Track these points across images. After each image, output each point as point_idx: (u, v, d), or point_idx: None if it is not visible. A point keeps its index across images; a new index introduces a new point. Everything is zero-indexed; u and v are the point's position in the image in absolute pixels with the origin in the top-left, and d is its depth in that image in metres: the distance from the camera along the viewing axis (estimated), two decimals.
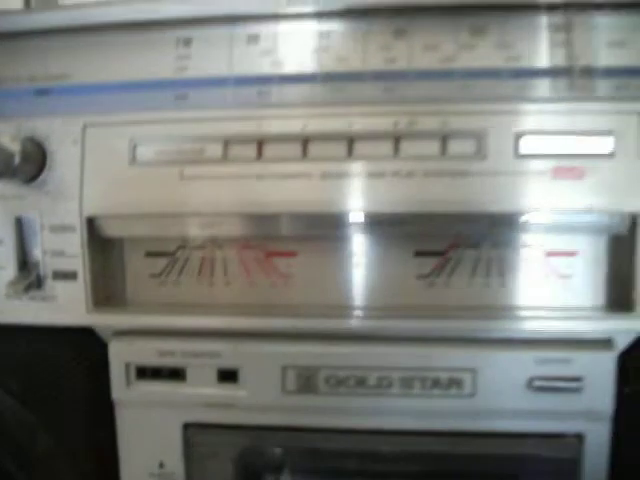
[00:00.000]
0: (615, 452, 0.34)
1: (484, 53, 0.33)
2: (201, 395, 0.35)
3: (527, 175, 0.32)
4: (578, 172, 0.32)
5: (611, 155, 0.32)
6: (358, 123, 0.33)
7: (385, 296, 0.35)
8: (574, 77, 0.33)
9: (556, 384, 0.33)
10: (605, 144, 0.32)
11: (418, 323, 0.33)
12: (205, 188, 0.33)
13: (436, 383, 0.33)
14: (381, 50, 0.34)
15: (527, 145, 0.32)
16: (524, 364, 0.33)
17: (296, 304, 0.35)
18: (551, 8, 0.33)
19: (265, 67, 0.34)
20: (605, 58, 0.33)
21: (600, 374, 0.33)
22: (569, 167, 0.32)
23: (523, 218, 0.32)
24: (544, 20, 0.34)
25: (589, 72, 0.33)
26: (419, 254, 0.34)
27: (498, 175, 0.32)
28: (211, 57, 0.35)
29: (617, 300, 0.33)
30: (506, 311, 0.34)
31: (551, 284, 0.34)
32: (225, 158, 0.33)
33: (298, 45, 0.34)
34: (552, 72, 0.33)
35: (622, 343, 0.34)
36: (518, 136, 0.32)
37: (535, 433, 0.34)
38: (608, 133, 0.32)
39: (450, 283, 0.34)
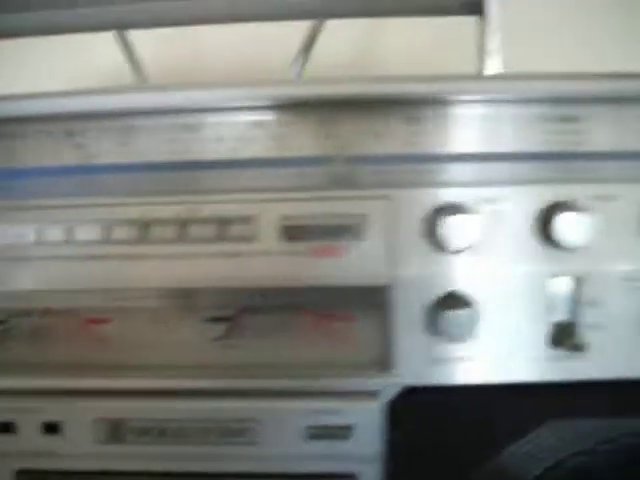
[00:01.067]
0: None
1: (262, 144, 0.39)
2: (30, 445, 0.40)
3: (292, 255, 0.37)
4: (335, 251, 0.37)
5: (364, 236, 0.37)
6: (151, 210, 0.38)
7: (187, 357, 0.40)
8: (337, 166, 0.38)
9: (329, 432, 0.38)
10: (359, 226, 0.37)
11: (208, 382, 0.38)
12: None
13: (227, 432, 0.39)
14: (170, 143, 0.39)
15: (292, 228, 0.37)
16: (302, 414, 0.38)
17: (108, 365, 0.40)
18: (319, 105, 0.39)
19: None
20: (367, 148, 0.38)
21: (368, 422, 0.38)
22: (329, 247, 0.37)
23: (295, 291, 0.38)
24: (314, 114, 0.39)
25: (349, 161, 0.38)
26: (214, 320, 0.39)
27: (267, 255, 0.37)
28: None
29: (382, 358, 0.38)
30: (288, 368, 0.39)
31: (327, 344, 0.39)
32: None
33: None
34: (319, 160, 0.38)
35: (389, 394, 0.39)
36: (284, 220, 0.37)
37: (313, 474, 0.39)
38: (361, 217, 0.37)
39: (239, 344, 0.39)
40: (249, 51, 0.62)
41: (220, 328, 0.39)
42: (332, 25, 0.52)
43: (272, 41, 0.58)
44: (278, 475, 0.39)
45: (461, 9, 0.43)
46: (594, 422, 0.38)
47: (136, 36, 0.55)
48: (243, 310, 0.39)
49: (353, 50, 0.62)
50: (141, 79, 0.56)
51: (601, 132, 0.38)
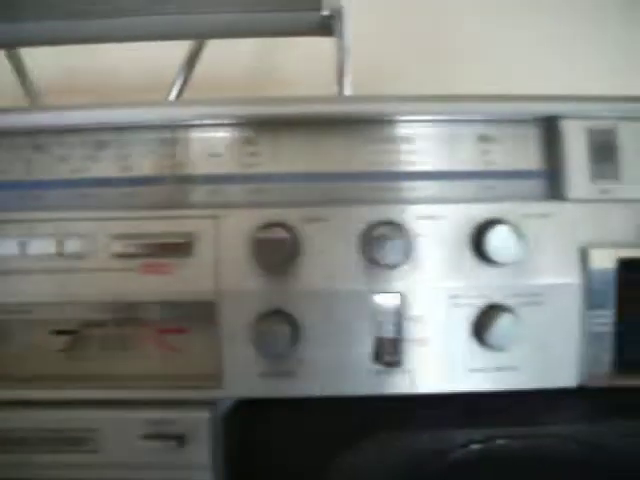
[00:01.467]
0: None
1: (105, 165, 0.40)
2: None
3: (124, 271, 0.38)
4: (165, 268, 0.38)
5: (192, 253, 0.38)
6: None
7: (31, 368, 0.41)
8: (173, 184, 0.40)
9: (164, 441, 0.39)
10: (187, 244, 0.38)
11: (51, 392, 0.40)
12: None
13: (68, 441, 0.40)
14: (23, 163, 0.41)
15: (121, 245, 0.38)
16: (139, 424, 0.40)
17: None
18: (160, 127, 0.40)
19: None
20: (203, 167, 0.40)
21: (201, 432, 0.40)
22: (156, 264, 0.38)
23: (133, 306, 0.39)
24: (155, 136, 0.40)
25: (185, 180, 0.40)
26: (58, 332, 0.41)
27: (100, 271, 0.38)
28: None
29: (214, 371, 0.39)
30: (127, 379, 0.40)
31: (164, 356, 0.41)
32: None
33: None
34: (154, 180, 0.40)
35: (223, 405, 0.40)
36: (114, 238, 0.38)
37: None
38: (189, 235, 0.38)
39: (84, 356, 0.41)
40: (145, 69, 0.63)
41: (64, 340, 0.41)
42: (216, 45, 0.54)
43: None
44: None
45: (315, 30, 0.44)
46: (421, 434, 0.40)
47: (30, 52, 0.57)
48: (86, 324, 0.41)
49: (240, 69, 0.63)
50: (31, 98, 0.57)
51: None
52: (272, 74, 0.64)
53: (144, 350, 0.41)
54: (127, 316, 0.40)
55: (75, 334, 0.41)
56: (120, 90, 0.63)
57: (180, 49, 0.55)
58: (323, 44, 0.47)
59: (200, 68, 0.56)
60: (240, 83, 0.62)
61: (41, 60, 0.59)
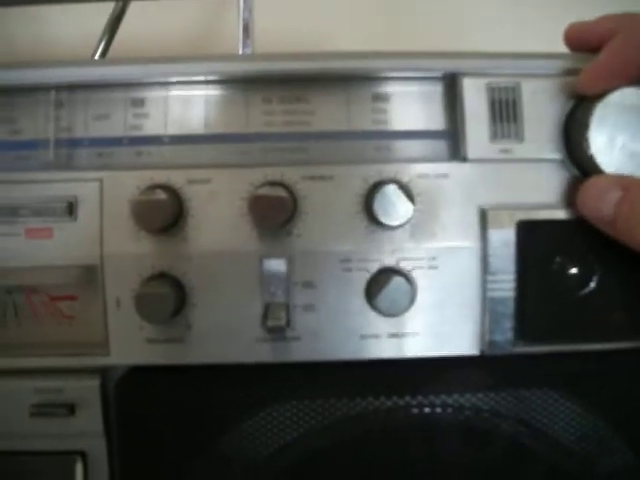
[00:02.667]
0: (113, 464, 0.40)
1: None
2: None
3: (6, 236, 0.37)
4: (48, 232, 0.37)
5: (74, 217, 0.37)
6: None
7: None
8: (56, 148, 0.39)
9: (52, 410, 0.39)
10: (69, 207, 0.37)
11: None
12: None
13: None
14: None
15: (3, 209, 0.37)
16: (25, 393, 0.39)
17: None
18: (46, 88, 0.39)
19: None
20: (90, 130, 0.39)
21: (90, 400, 0.39)
22: (40, 228, 0.37)
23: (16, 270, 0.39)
24: (43, 97, 0.39)
25: (70, 143, 0.39)
26: None
27: None
28: None
29: (102, 338, 0.39)
30: (14, 347, 0.39)
31: (57, 323, 0.40)
32: None
33: None
34: (39, 143, 0.39)
35: (115, 373, 0.39)
36: None
37: (42, 451, 0.40)
38: (72, 198, 0.37)
39: None
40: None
41: None
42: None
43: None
44: (6, 453, 0.40)
45: None
46: (318, 403, 0.39)
47: None
48: None
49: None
50: None
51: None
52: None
53: (36, 317, 0.40)
54: (17, 283, 0.39)
55: None
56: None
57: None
58: None
59: (124, 29, 0.55)
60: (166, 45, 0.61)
61: None
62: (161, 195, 0.36)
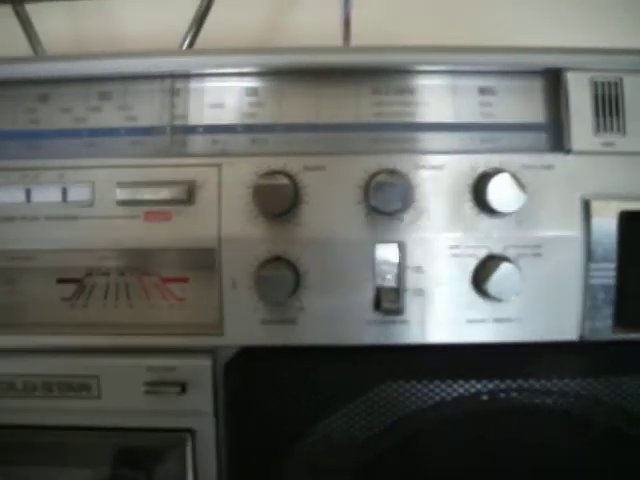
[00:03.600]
0: (220, 443, 0.41)
1: (109, 115, 0.40)
2: None
3: (126, 219, 0.39)
4: (166, 216, 0.39)
5: (193, 201, 0.38)
6: None
7: (38, 315, 0.42)
8: (173, 134, 0.40)
9: (165, 388, 0.40)
10: (189, 192, 0.38)
11: (55, 339, 0.40)
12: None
13: (70, 387, 0.41)
14: (28, 113, 0.41)
15: (125, 193, 0.39)
16: (140, 371, 0.40)
17: None
18: (161, 77, 0.40)
19: None
20: (205, 118, 0.40)
21: (202, 379, 0.40)
22: (159, 211, 0.39)
23: (135, 253, 0.40)
24: (157, 86, 0.40)
25: (187, 130, 0.40)
26: (62, 281, 0.41)
27: (103, 219, 0.39)
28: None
29: (215, 319, 0.40)
30: (129, 327, 0.41)
31: (167, 305, 0.41)
32: None
33: None
34: (156, 130, 0.40)
35: (225, 354, 0.41)
36: (118, 186, 0.39)
37: (154, 428, 0.41)
38: (192, 183, 0.38)
39: (88, 304, 0.41)
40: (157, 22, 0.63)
41: (68, 289, 0.41)
42: None
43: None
44: (120, 429, 0.41)
45: None
46: (427, 384, 0.40)
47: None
48: (90, 272, 0.41)
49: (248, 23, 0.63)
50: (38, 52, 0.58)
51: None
52: (281, 28, 0.64)
53: (147, 299, 0.41)
54: (130, 265, 0.41)
55: (79, 282, 0.41)
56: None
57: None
58: None
59: (211, 21, 0.56)
60: (250, 36, 0.62)
61: (51, 22, 0.60)
62: (282, 180, 0.37)
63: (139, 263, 0.40)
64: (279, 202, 0.37)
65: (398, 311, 0.38)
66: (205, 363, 0.40)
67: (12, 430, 0.41)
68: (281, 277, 0.37)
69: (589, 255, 0.39)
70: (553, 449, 0.41)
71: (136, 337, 0.40)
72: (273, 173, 0.37)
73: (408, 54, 0.40)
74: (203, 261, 0.39)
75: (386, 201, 0.37)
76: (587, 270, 0.39)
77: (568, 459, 0.41)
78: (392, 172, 0.37)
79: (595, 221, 0.39)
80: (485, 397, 0.40)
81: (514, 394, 0.40)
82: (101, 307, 0.41)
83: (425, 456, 0.41)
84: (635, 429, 0.40)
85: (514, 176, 0.37)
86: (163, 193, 0.38)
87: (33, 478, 0.42)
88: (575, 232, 0.39)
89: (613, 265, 0.39)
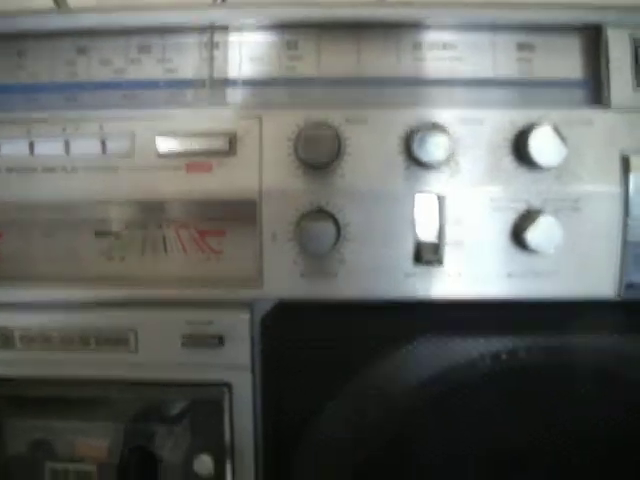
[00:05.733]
0: (257, 398, 0.41)
1: (148, 67, 0.40)
2: None
3: (166, 170, 0.39)
4: (207, 167, 0.39)
5: (234, 152, 0.38)
6: (36, 127, 0.39)
7: (76, 268, 0.42)
8: (211, 87, 0.40)
9: (203, 341, 0.40)
10: (229, 143, 0.38)
11: (92, 292, 0.40)
12: None
13: (107, 340, 0.41)
14: (66, 65, 0.41)
15: (165, 145, 0.38)
16: (177, 324, 0.40)
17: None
18: (200, 30, 0.40)
19: None
20: (244, 71, 0.40)
21: (239, 333, 0.40)
22: (200, 163, 0.39)
23: (172, 206, 0.40)
24: (196, 39, 0.40)
25: (226, 83, 0.40)
26: (99, 234, 0.41)
27: (142, 170, 0.39)
28: None
29: (253, 272, 0.40)
30: (166, 280, 0.41)
31: (205, 258, 0.41)
32: None
33: None
34: (196, 83, 0.40)
35: (262, 308, 0.41)
36: (158, 137, 0.38)
37: (191, 382, 0.41)
38: (233, 134, 0.38)
39: (125, 258, 0.41)
40: None
41: (106, 241, 0.41)
42: None
43: None
44: (157, 383, 0.41)
45: None
46: (465, 339, 0.40)
47: None
48: (128, 224, 0.41)
49: None
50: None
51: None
52: None
53: (185, 252, 0.41)
54: (169, 217, 0.41)
55: (117, 235, 0.41)
56: None
57: None
58: None
59: None
60: None
61: None
62: (327, 130, 0.37)
63: (178, 215, 0.40)
64: (325, 152, 0.37)
65: (438, 261, 0.38)
66: (243, 316, 0.40)
67: (47, 383, 0.41)
68: (322, 228, 0.37)
69: (627, 211, 0.39)
70: (586, 407, 0.41)
71: (174, 290, 0.40)
72: (318, 124, 0.37)
73: (448, 9, 0.40)
74: (242, 213, 0.39)
75: (428, 152, 0.37)
76: (625, 226, 0.39)
77: (600, 418, 0.41)
78: (434, 125, 0.37)
79: (634, 177, 0.39)
80: (522, 354, 0.40)
81: (551, 350, 0.40)
82: (138, 260, 0.41)
83: (460, 415, 0.41)
84: None
85: (556, 129, 0.37)
86: (204, 144, 0.38)
87: (68, 432, 0.42)
88: (614, 187, 0.39)
89: None
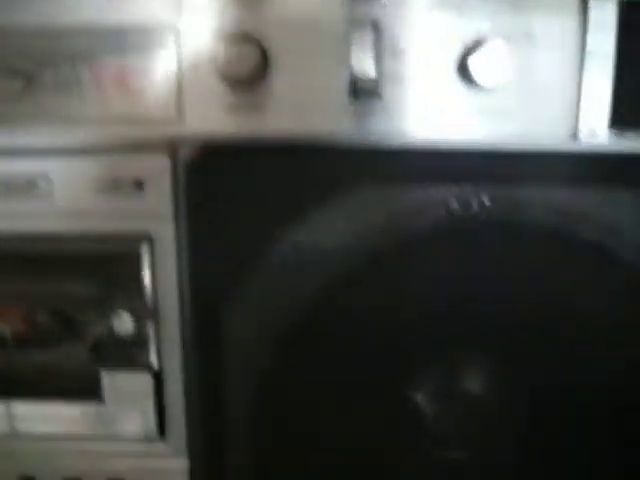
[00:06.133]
0: (181, 251, 0.38)
1: None
2: None
3: None
4: None
5: None
6: None
7: None
8: None
9: (119, 186, 0.37)
10: None
11: (3, 137, 0.37)
12: None
13: (19, 188, 0.37)
14: None
15: None
16: (91, 168, 0.37)
17: None
18: None
19: None
20: None
21: (159, 177, 0.37)
22: None
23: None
24: None
25: None
26: (11, 73, 0.37)
27: None
28: None
29: (174, 108, 0.36)
30: (80, 121, 0.37)
31: (122, 97, 0.37)
32: None
33: None
34: None
35: (186, 153, 0.37)
36: None
37: (109, 234, 0.38)
38: None
39: (37, 98, 0.38)
40: None
41: (18, 83, 0.38)
42: None
43: None
44: (71, 235, 0.38)
45: None
46: (397, 189, 0.37)
47: None
48: (41, 63, 0.37)
49: None
50: None
51: None
52: None
53: (99, 91, 0.37)
54: (83, 52, 0.37)
55: (29, 75, 0.38)
56: None
57: None
58: None
59: None
60: None
61: None
62: None
63: (93, 51, 0.37)
64: None
65: (374, 92, 0.35)
66: (163, 159, 0.36)
67: None
68: (247, 54, 0.34)
69: (584, 47, 0.36)
70: (537, 269, 0.38)
71: (89, 132, 0.37)
72: None
73: None
74: (161, 43, 0.35)
75: None
76: (582, 63, 0.36)
77: (551, 280, 0.38)
78: None
79: (593, 11, 0.35)
80: (463, 204, 0.36)
81: (494, 204, 0.37)
82: (52, 101, 0.37)
83: (399, 275, 0.38)
84: (623, 248, 0.37)
85: None
86: None
87: None
88: (572, 21, 0.35)
89: (610, 62, 0.36)
